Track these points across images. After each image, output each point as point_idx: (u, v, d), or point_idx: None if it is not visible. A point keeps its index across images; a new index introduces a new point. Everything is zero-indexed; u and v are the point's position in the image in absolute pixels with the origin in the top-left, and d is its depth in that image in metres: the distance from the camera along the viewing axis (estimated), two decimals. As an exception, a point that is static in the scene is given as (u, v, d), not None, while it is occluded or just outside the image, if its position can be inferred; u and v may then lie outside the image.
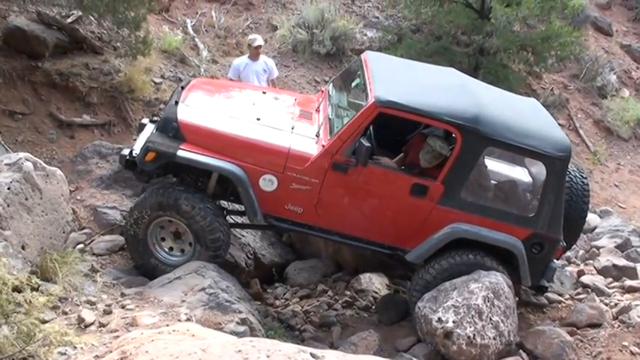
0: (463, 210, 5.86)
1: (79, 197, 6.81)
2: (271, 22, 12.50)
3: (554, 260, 6.29)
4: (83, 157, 7.27)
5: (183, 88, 6.48)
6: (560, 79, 14.02)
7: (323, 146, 5.81)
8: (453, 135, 5.85)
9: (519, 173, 6.74)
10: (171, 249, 6.08)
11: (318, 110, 6.49)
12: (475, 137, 5.74)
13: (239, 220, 6.72)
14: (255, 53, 8.50)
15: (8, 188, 5.28)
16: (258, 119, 6.13)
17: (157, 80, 9.83)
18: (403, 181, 5.86)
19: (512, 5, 11.75)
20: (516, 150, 5.96)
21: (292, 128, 6.11)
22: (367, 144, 5.64)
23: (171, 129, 5.83)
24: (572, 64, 14.10)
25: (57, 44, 8.95)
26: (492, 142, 5.85)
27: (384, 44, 12.57)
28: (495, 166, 6.66)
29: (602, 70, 14.14)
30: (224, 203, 6.49)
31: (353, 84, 6.47)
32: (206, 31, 11.72)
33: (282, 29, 12.19)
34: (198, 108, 6.15)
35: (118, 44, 9.29)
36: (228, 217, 6.41)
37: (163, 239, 6.07)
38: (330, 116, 6.15)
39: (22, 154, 5.65)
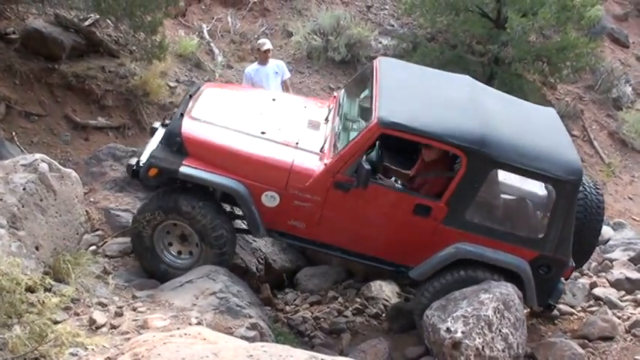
0: (468, 230, 5.77)
1: (92, 199, 6.84)
2: (286, 28, 12.53)
3: (563, 280, 6.17)
4: (97, 160, 7.30)
5: (191, 96, 6.47)
6: (575, 90, 13.95)
7: (325, 165, 5.76)
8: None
9: (533, 187, 6.46)
10: (179, 252, 6.08)
11: (327, 120, 6.44)
12: (481, 160, 5.61)
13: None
14: (264, 57, 8.50)
15: (23, 189, 5.31)
16: (263, 132, 6.07)
17: (172, 84, 9.89)
18: (406, 201, 5.78)
19: (529, 15, 11.73)
20: (524, 173, 5.79)
21: (297, 143, 6.02)
22: (367, 167, 5.57)
23: (175, 143, 5.83)
24: (588, 75, 14.03)
25: (74, 47, 9.02)
26: (499, 165, 5.72)
27: (399, 52, 12.56)
28: (508, 178, 6.40)
29: (617, 82, 14.06)
30: (229, 208, 6.47)
31: (362, 95, 6.43)
32: (221, 36, 11.78)
33: (297, 35, 12.23)
34: (202, 121, 6.10)
35: (134, 48, 9.34)
36: (236, 222, 6.39)
37: (171, 244, 6.07)
38: (336, 130, 6.11)
39: (37, 155, 5.68)
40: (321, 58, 12.08)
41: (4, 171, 5.40)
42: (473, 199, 5.75)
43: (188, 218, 5.83)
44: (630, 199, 12.31)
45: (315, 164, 5.83)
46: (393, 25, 13.41)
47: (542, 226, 5.97)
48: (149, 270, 6.07)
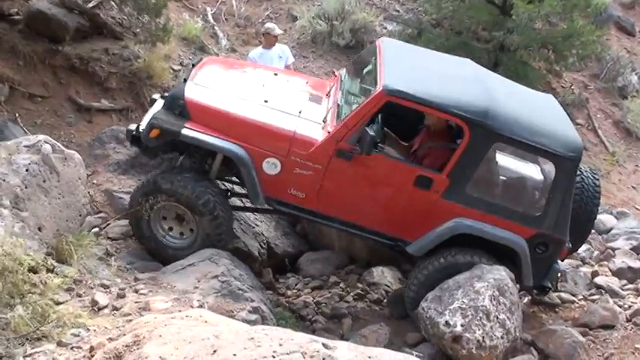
0: (467, 205, 5.78)
1: (95, 181, 6.85)
2: (291, 12, 12.46)
3: (559, 261, 6.18)
4: (100, 142, 7.31)
5: (194, 66, 6.50)
6: (580, 79, 13.88)
7: (328, 132, 5.77)
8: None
9: (530, 170, 6.59)
10: (182, 234, 6.09)
11: (328, 95, 6.43)
12: (483, 132, 5.65)
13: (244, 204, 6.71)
14: (269, 41, 8.52)
15: (26, 170, 5.32)
16: (266, 101, 6.09)
17: (176, 67, 9.84)
18: (408, 171, 5.80)
19: (535, 2, 11.64)
20: (525, 147, 5.83)
21: (300, 112, 6.05)
22: (372, 133, 5.57)
23: (178, 106, 5.85)
24: (593, 64, 13.94)
25: (78, 29, 8.96)
26: (501, 138, 5.74)
27: (403, 38, 12.46)
28: (505, 161, 6.53)
29: (623, 71, 13.97)
30: (228, 185, 6.57)
31: (365, 70, 6.42)
32: (226, 19, 11.71)
33: (301, 20, 12.16)
34: (206, 87, 6.13)
35: (138, 30, 9.28)
36: (233, 199, 6.42)
37: (171, 228, 6.08)
38: (339, 102, 6.11)
39: (41, 137, 5.70)
40: (325, 43, 12.01)
41: (8, 152, 5.41)
42: (474, 172, 5.78)
43: (171, 195, 5.82)
44: (634, 188, 12.26)
45: (318, 132, 5.85)
46: (398, 11, 13.33)
47: (541, 203, 6.00)
48: (159, 258, 6.08)
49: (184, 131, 5.74)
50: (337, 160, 5.72)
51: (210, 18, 11.41)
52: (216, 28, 11.27)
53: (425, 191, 5.76)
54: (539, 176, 6.49)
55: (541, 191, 6.29)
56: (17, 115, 7.96)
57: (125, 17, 9.42)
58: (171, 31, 9.11)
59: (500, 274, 5.69)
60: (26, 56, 8.38)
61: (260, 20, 11.91)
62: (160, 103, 6.26)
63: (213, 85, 6.20)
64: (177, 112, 5.84)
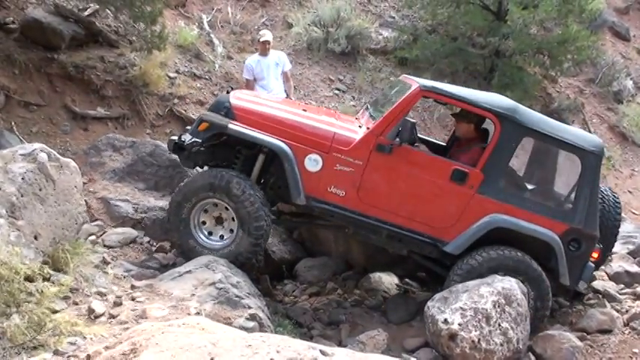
0: (501, 200, 5.97)
1: (91, 189, 6.84)
2: (287, 19, 12.49)
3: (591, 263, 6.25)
4: (97, 150, 7.30)
5: (228, 92, 6.68)
6: (575, 84, 13.92)
7: (368, 128, 6.03)
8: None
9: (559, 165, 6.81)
10: (210, 233, 6.13)
11: (357, 119, 6.75)
12: (513, 126, 5.95)
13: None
14: (263, 48, 8.58)
15: (22, 178, 5.31)
16: (305, 110, 6.45)
17: (172, 75, 9.85)
18: (444, 165, 6.02)
19: (530, 8, 11.69)
20: (552, 141, 6.12)
21: (337, 120, 6.41)
22: (412, 121, 5.93)
23: (224, 108, 6.13)
24: (589, 69, 14.00)
25: (73, 37, 8.98)
26: (529, 132, 6.04)
27: (399, 44, 12.54)
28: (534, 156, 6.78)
29: (618, 75, 14.03)
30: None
31: (392, 93, 6.65)
32: (222, 27, 11.73)
33: (297, 27, 12.18)
34: (247, 99, 6.44)
35: (134, 38, 9.31)
36: None
37: (204, 223, 6.12)
38: (371, 114, 6.42)
39: (36, 145, 5.68)
40: (321, 50, 12.04)
41: (3, 160, 5.40)
42: (506, 165, 6.08)
43: (235, 202, 5.93)
44: (630, 192, 12.30)
45: (356, 133, 6.13)
46: (393, 17, 13.36)
47: (570, 197, 6.23)
48: (177, 242, 6.18)
49: (231, 126, 5.97)
50: (377, 154, 5.94)
51: (205, 25, 11.42)
52: (211, 35, 11.28)
53: (461, 186, 5.96)
54: (567, 171, 6.67)
55: (570, 183, 6.44)
56: (13, 123, 7.96)
57: (121, 25, 9.46)
58: (167, 39, 9.13)
59: (511, 284, 5.73)
60: (22, 65, 8.39)
61: (256, 27, 11.92)
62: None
63: (253, 99, 6.53)
64: (222, 113, 6.10)
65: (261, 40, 8.59)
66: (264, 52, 8.58)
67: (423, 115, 11.76)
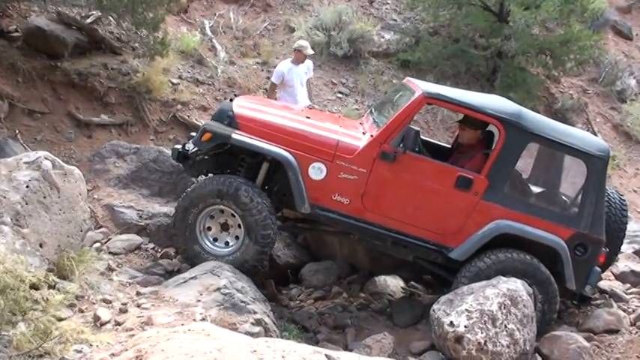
0: (506, 206, 5.94)
1: (96, 196, 6.85)
2: (288, 23, 12.49)
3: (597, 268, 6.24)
4: (101, 157, 7.32)
5: (231, 100, 6.69)
6: (578, 83, 13.89)
7: (372, 136, 6.01)
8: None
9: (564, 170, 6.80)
10: (215, 240, 6.14)
11: (361, 124, 6.74)
12: (517, 131, 5.92)
13: None
14: (299, 58, 8.79)
15: (27, 186, 5.32)
16: (308, 117, 6.41)
17: (175, 81, 9.87)
18: (449, 172, 6.00)
19: (531, 8, 11.68)
20: (557, 147, 6.09)
21: (340, 127, 6.37)
22: (415, 129, 5.90)
23: (227, 117, 6.11)
24: (591, 68, 13.97)
25: (76, 44, 9.01)
26: (534, 137, 6.01)
27: (401, 47, 12.54)
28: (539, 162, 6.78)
29: (621, 75, 14.00)
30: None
31: (395, 97, 6.64)
32: (224, 32, 11.74)
33: (299, 31, 12.18)
34: (250, 107, 6.42)
35: (137, 45, 9.33)
36: None
37: (209, 229, 6.13)
38: (375, 119, 6.39)
39: (41, 153, 5.69)
40: (323, 54, 12.04)
41: (8, 169, 5.42)
42: (511, 171, 6.05)
43: (243, 209, 5.93)
44: (635, 191, 12.26)
45: (360, 140, 6.11)
46: (395, 20, 13.36)
47: (576, 202, 6.20)
48: (183, 247, 6.20)
49: (234, 136, 5.97)
50: (381, 162, 5.93)
51: (208, 31, 11.44)
52: (214, 40, 11.30)
53: (465, 192, 5.94)
54: (573, 176, 6.67)
55: (575, 188, 6.43)
56: (17, 131, 7.98)
57: (123, 32, 9.48)
58: (170, 45, 9.15)
59: (516, 285, 5.71)
60: (25, 73, 8.42)
61: (258, 32, 11.95)
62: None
63: (256, 107, 6.50)
64: (226, 122, 6.09)
65: (304, 52, 8.76)
66: (297, 61, 8.76)
67: (426, 117, 11.75)
